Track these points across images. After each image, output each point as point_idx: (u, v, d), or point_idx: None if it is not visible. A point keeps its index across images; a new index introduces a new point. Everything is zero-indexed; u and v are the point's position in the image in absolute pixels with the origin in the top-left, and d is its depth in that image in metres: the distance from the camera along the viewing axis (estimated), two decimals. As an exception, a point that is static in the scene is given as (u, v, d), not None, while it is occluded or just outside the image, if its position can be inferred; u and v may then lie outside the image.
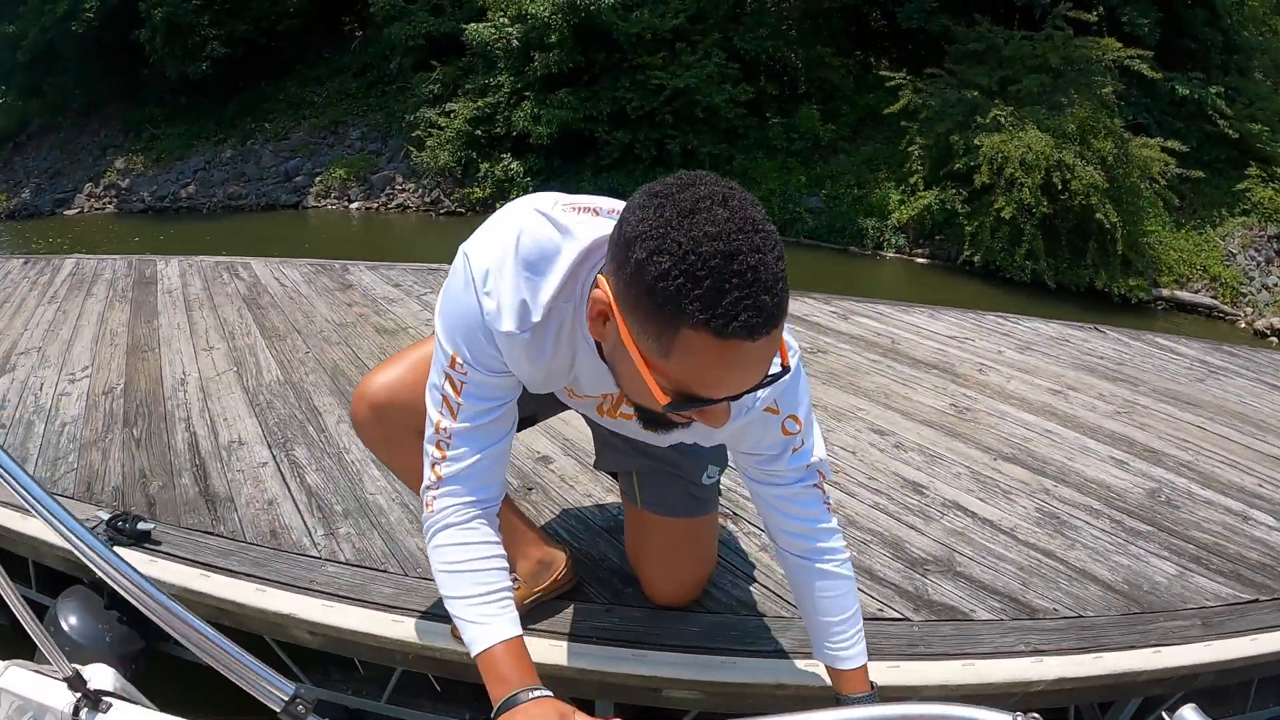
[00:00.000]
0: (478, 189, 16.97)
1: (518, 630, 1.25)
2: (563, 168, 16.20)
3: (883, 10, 18.08)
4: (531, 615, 1.88)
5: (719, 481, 1.80)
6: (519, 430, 1.52)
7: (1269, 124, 15.65)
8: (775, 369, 1.05)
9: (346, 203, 18.57)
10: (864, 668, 1.46)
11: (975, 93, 14.02)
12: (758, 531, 2.33)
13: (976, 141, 13.20)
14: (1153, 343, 5.02)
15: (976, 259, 13.20)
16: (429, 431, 1.35)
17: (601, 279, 1.07)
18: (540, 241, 1.20)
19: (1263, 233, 14.68)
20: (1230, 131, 15.08)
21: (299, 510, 2.44)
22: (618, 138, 15.63)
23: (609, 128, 15.69)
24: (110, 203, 21.96)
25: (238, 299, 5.05)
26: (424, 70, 18.75)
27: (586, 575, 2.06)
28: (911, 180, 14.34)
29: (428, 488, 1.36)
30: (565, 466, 2.68)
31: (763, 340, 0.96)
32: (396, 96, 20.11)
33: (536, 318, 1.21)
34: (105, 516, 2.33)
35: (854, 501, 2.56)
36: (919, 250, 14.31)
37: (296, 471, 2.70)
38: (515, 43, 16.06)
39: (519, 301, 1.20)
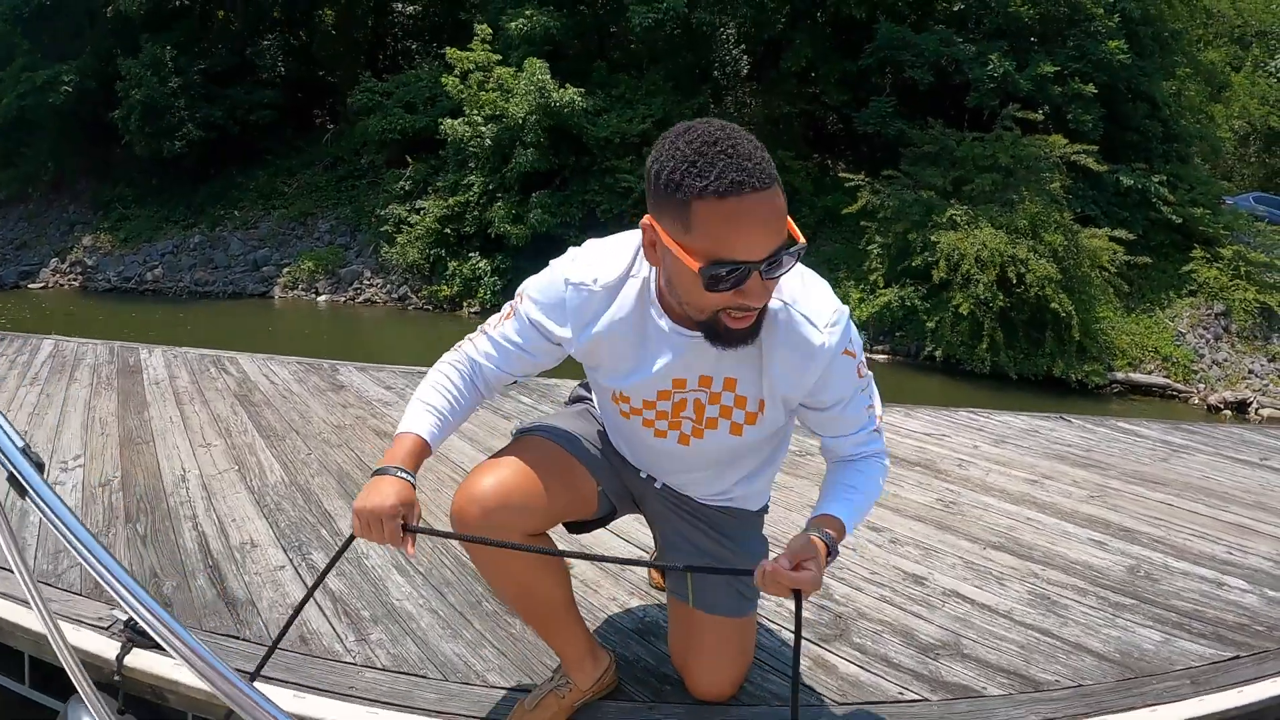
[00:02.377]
0: (445, 286, 17.15)
1: (427, 436, 1.63)
2: (530, 267, 16.27)
3: (839, 115, 18.87)
4: (580, 716, 1.95)
5: None
6: (600, 526, 1.91)
7: (1209, 207, 16.55)
8: (793, 244, 1.33)
9: (314, 295, 18.63)
10: (844, 530, 1.64)
11: (930, 192, 14.60)
12: (779, 626, 2.44)
13: (934, 239, 13.67)
14: (1116, 427, 5.27)
15: (938, 354, 13.53)
16: (475, 331, 1.79)
17: (647, 216, 1.40)
18: (617, 239, 1.64)
19: (1209, 311, 15.31)
20: (1173, 217, 15.88)
21: (325, 616, 2.42)
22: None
23: (579, 230, 16.02)
24: (76, 279, 22.03)
25: (229, 395, 5.04)
26: (395, 166, 19.11)
27: (624, 675, 2.13)
28: (871, 279, 14.75)
29: (450, 352, 1.79)
30: (586, 571, 2.72)
31: (756, 195, 1.27)
32: (366, 191, 20.42)
33: (611, 278, 1.58)
34: (123, 617, 2.22)
35: (862, 595, 2.67)
36: (880, 347, 14.65)
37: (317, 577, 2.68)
38: (489, 142, 16.41)
39: (602, 265, 1.60)
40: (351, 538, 1.60)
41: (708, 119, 1.36)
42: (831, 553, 1.57)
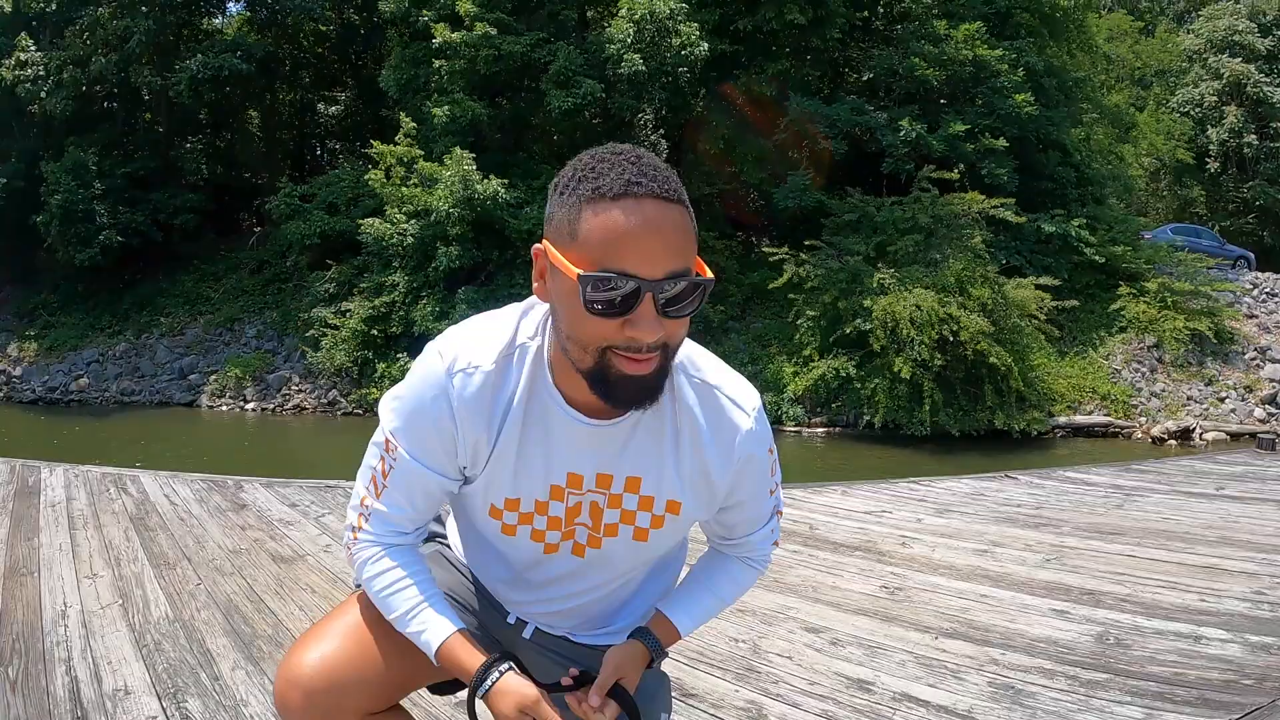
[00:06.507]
0: (374, 389, 16.74)
1: (458, 624, 1.33)
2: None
3: (759, 192, 19.18)
4: None
5: None
6: (455, 690, 1.51)
7: (1129, 244, 17.04)
8: (697, 276, 1.14)
9: (242, 403, 18.11)
10: (677, 636, 1.47)
11: (855, 259, 14.75)
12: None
13: (866, 304, 13.73)
14: (1064, 478, 5.19)
15: (876, 420, 13.47)
16: (354, 501, 1.41)
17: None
18: (492, 313, 1.34)
19: (1142, 345, 15.72)
20: (1096, 257, 16.39)
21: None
22: (512, 335, 15.91)
23: (507, 325, 15.98)
24: (0, 390, 21.26)
25: (125, 518, 4.76)
26: (319, 269, 18.89)
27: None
28: (805, 352, 14.79)
29: (346, 544, 1.43)
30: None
31: (656, 202, 1.10)
32: (293, 294, 20.14)
33: (499, 349, 1.28)
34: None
35: (800, 714, 2.38)
36: (818, 420, 14.60)
37: (189, 729, 2.39)
38: (411, 239, 16.27)
39: (481, 343, 1.29)
40: None
41: None
42: (653, 663, 1.42)
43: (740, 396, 1.34)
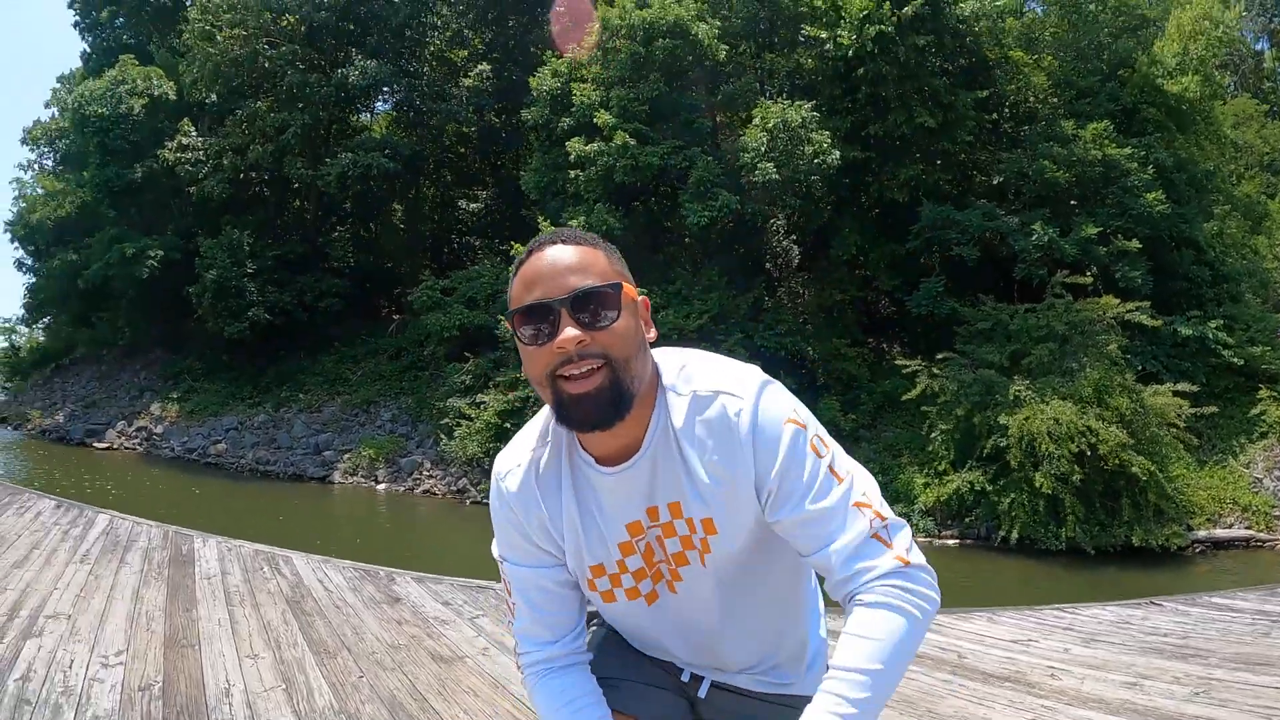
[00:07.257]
0: (505, 482, 17.16)
1: None
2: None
3: (891, 298, 18.98)
4: None
5: None
6: None
7: (1269, 343, 15.94)
8: (599, 283, 1.33)
9: (374, 482, 18.65)
10: None
11: (989, 370, 14.30)
12: None
13: (1001, 421, 13.28)
14: (1210, 604, 4.95)
15: (1012, 536, 12.94)
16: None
17: None
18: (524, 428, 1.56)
19: (1284, 451, 14.57)
20: (1235, 359, 15.41)
21: None
22: (648, 440, 16.03)
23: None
24: (140, 444, 22.67)
25: (280, 599, 4.93)
26: (457, 360, 19.47)
27: None
28: (939, 466, 14.33)
29: (518, 666, 1.59)
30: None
31: (555, 246, 1.35)
32: (429, 383, 20.76)
33: (534, 441, 1.49)
34: None
35: None
36: (948, 532, 14.10)
37: (360, 825, 2.46)
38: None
39: (516, 445, 1.53)
40: None
41: None
42: None
43: (724, 383, 1.39)
